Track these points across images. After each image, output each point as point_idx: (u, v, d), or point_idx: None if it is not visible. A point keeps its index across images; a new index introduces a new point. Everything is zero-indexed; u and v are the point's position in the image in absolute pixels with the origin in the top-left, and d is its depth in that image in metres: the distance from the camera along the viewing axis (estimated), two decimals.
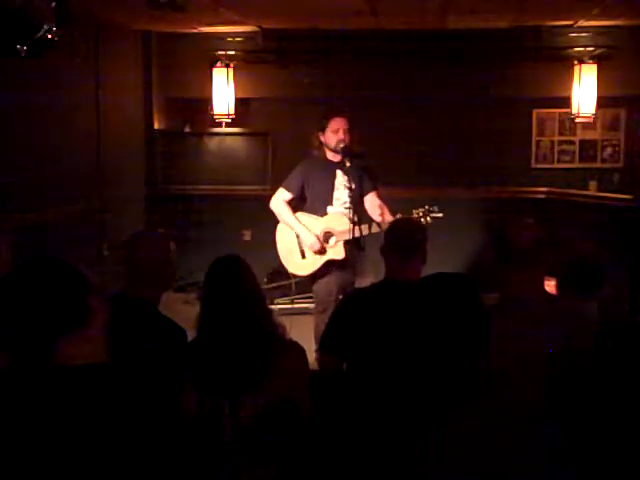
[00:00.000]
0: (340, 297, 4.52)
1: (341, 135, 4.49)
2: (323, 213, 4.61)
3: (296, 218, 4.63)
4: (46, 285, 1.70)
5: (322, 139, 4.58)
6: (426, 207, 4.44)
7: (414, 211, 4.45)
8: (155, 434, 1.68)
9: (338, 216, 4.56)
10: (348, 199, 4.50)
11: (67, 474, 1.57)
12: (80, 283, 1.75)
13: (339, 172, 4.56)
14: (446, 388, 2.72)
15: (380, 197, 4.62)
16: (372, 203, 4.59)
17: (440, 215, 4.43)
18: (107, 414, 1.62)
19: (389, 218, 4.40)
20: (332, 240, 4.57)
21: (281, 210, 4.65)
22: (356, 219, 4.40)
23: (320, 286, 4.62)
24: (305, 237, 4.58)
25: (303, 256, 4.65)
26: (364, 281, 4.28)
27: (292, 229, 4.64)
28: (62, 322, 1.69)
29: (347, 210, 4.51)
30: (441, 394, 2.70)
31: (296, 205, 4.72)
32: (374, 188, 4.64)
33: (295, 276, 4.86)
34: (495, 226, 2.52)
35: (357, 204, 4.49)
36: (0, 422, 1.61)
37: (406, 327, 2.84)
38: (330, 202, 4.59)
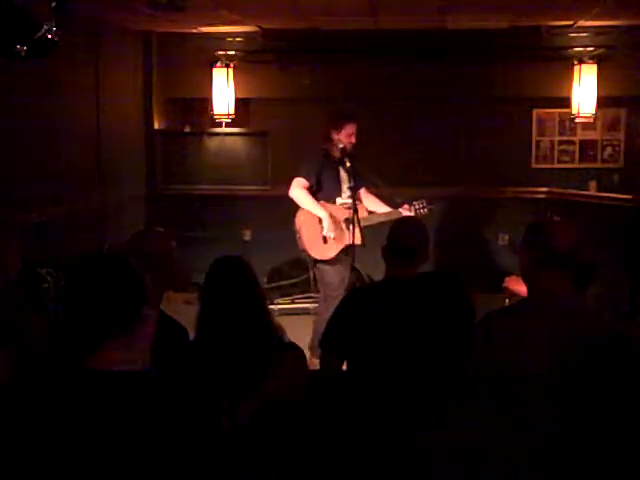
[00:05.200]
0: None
1: (353, 139, 4.86)
2: (333, 203, 4.92)
3: (319, 204, 4.85)
4: (104, 285, 1.65)
5: (335, 137, 4.83)
6: (419, 201, 4.96)
7: (414, 202, 4.95)
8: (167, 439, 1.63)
9: (359, 205, 4.83)
10: (349, 192, 4.83)
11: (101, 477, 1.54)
12: (138, 288, 1.69)
13: (341, 168, 4.89)
14: (439, 385, 2.73)
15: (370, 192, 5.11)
16: (367, 196, 5.07)
17: (431, 207, 4.98)
18: (142, 422, 1.57)
19: (381, 210, 4.99)
20: (352, 226, 4.78)
21: (303, 196, 4.82)
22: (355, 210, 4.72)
23: (334, 274, 4.84)
24: (327, 222, 4.81)
25: (325, 241, 4.84)
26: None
27: (315, 213, 4.83)
28: (110, 327, 1.63)
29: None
30: (436, 391, 2.71)
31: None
32: (363, 184, 5.05)
33: (317, 260, 4.96)
34: (529, 227, 2.44)
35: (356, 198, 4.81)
36: (36, 424, 1.57)
37: (401, 325, 2.85)
38: (340, 194, 4.91)
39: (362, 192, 5.02)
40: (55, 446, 1.55)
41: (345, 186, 4.87)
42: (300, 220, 4.87)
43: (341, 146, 4.77)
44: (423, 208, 4.93)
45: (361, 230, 4.70)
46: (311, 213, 4.83)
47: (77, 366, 1.63)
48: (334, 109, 5.09)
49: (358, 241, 4.72)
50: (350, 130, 4.84)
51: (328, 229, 4.79)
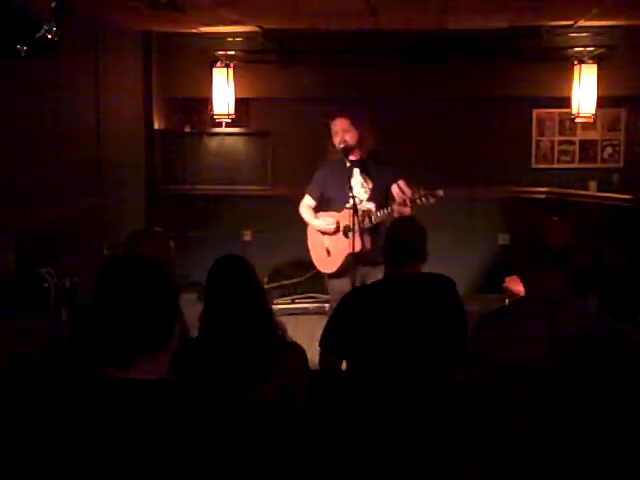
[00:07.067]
0: None
1: (341, 136, 4.60)
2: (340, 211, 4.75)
3: (316, 216, 4.84)
4: (145, 300, 1.60)
5: (331, 140, 4.71)
6: (427, 189, 4.37)
7: (415, 193, 4.38)
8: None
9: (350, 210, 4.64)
10: (365, 196, 4.65)
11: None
12: (174, 303, 1.66)
13: (356, 170, 4.66)
14: (436, 385, 2.73)
15: (406, 184, 4.56)
16: (396, 191, 4.61)
17: (441, 193, 4.31)
18: (166, 429, 1.56)
19: (408, 193, 4.40)
20: (350, 234, 4.62)
21: (303, 213, 4.90)
22: (361, 209, 4.48)
23: (335, 283, 4.76)
24: (322, 225, 4.76)
25: (328, 254, 4.79)
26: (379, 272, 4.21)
27: (314, 227, 4.83)
28: (147, 343, 1.61)
29: (367, 205, 4.62)
30: (433, 391, 2.71)
31: (321, 209, 4.90)
32: (396, 177, 4.62)
33: (326, 275, 4.92)
34: (525, 226, 2.44)
35: (380, 197, 4.63)
36: (55, 431, 1.56)
37: (398, 325, 2.85)
38: (347, 200, 4.63)
39: (394, 187, 4.59)
40: (71, 451, 1.54)
41: (357, 191, 4.59)
42: (308, 236, 4.91)
43: (342, 146, 4.55)
44: (423, 197, 4.33)
45: (362, 235, 4.44)
46: (313, 228, 4.84)
47: (99, 374, 1.60)
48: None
49: (357, 248, 4.49)
50: (337, 127, 4.63)
51: (325, 229, 4.73)
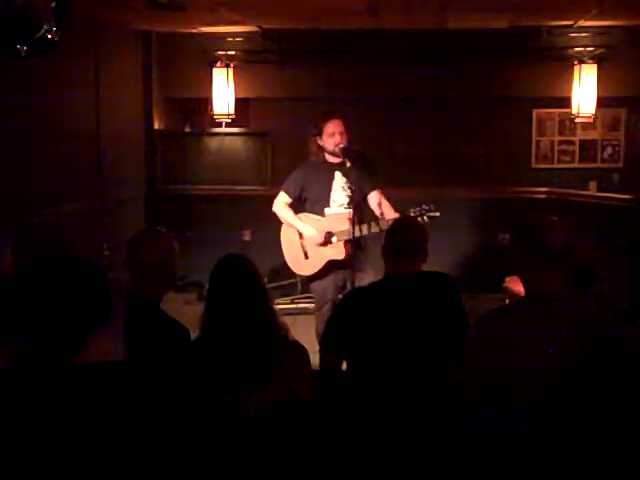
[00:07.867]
0: (338, 296, 4.56)
1: (337, 138, 4.51)
2: (321, 215, 4.65)
3: (298, 218, 4.68)
4: (74, 281, 1.66)
5: (320, 143, 4.61)
6: (422, 206, 4.43)
7: (410, 210, 4.44)
8: (164, 433, 1.66)
9: (338, 216, 4.60)
10: (346, 200, 4.55)
11: (85, 471, 1.56)
12: (102, 277, 1.71)
13: (338, 174, 4.59)
14: (435, 384, 2.73)
15: (383, 195, 4.62)
16: (374, 202, 4.61)
17: (437, 214, 4.42)
18: (130, 412, 1.60)
19: (391, 216, 4.42)
20: (333, 240, 4.60)
21: (282, 212, 4.71)
22: (356, 219, 4.38)
23: (317, 285, 4.68)
24: (307, 232, 4.62)
25: (306, 256, 4.68)
26: (365, 279, 4.20)
27: (294, 228, 4.68)
28: (92, 317, 1.66)
29: (346, 211, 4.55)
30: (432, 390, 2.71)
31: (296, 207, 4.75)
32: (375, 187, 4.63)
33: (300, 276, 4.91)
34: (525, 226, 2.44)
35: (359, 204, 4.52)
36: (26, 420, 1.58)
37: (397, 325, 2.85)
38: (327, 204, 4.62)
39: (372, 196, 4.60)
40: (52, 439, 1.56)
41: (338, 195, 4.58)
42: (282, 235, 4.76)
43: (341, 147, 4.46)
44: (421, 216, 4.40)
45: (346, 243, 4.48)
46: (290, 228, 4.68)
47: (63, 362, 1.63)
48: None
49: (340, 256, 4.52)
50: (330, 129, 4.51)
51: (309, 239, 4.60)
